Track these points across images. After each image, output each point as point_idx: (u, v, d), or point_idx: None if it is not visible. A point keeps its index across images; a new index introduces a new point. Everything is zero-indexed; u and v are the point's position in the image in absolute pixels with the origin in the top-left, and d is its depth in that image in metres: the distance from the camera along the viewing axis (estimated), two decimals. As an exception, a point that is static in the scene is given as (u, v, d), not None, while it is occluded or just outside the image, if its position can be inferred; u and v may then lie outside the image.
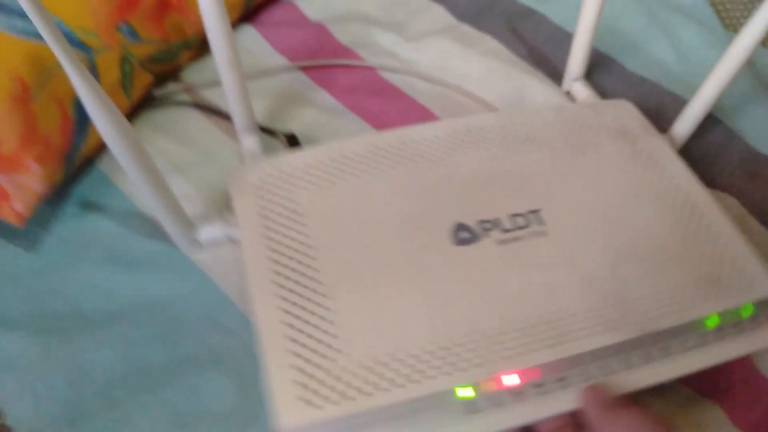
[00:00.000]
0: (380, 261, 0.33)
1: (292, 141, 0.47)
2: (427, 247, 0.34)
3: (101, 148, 0.45)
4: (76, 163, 0.42)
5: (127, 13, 0.43)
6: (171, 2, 0.46)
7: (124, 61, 0.43)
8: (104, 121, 0.29)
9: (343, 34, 0.55)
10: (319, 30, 0.55)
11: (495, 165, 0.38)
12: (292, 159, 0.37)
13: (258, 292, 0.32)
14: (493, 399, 0.31)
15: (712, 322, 0.33)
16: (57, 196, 0.43)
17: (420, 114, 0.50)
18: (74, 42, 0.40)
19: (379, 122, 0.49)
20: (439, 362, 0.30)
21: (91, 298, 0.39)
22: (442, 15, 0.57)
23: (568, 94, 0.50)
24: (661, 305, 0.32)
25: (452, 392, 0.30)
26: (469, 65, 0.53)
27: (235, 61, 0.38)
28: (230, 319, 0.39)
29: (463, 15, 0.57)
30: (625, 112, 0.42)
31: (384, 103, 0.51)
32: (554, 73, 0.52)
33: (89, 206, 0.43)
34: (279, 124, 0.48)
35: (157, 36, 0.45)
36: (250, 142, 0.43)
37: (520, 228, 0.35)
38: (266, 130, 0.47)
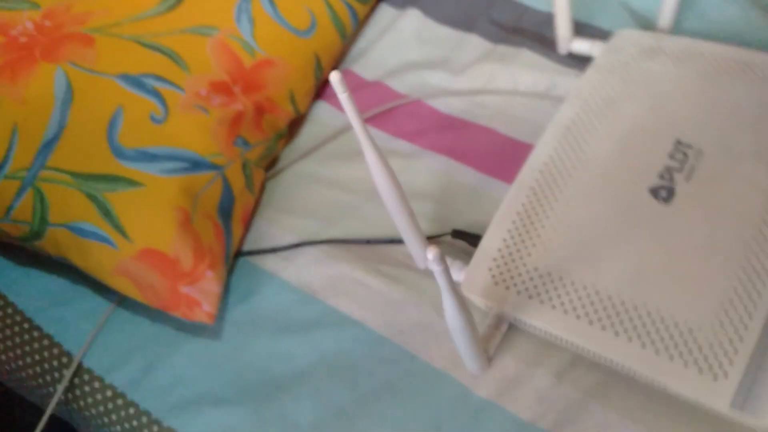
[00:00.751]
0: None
1: (457, 235, 0.50)
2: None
3: (242, 239, 0.54)
4: (231, 260, 0.51)
5: (237, 129, 0.52)
6: (264, 107, 0.55)
7: (244, 167, 0.52)
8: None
9: (400, 85, 0.63)
10: (379, 87, 0.63)
11: None
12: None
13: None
14: None
15: None
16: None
17: (487, 136, 0.58)
18: (208, 166, 0.49)
19: (457, 154, 0.57)
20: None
21: (276, 364, 0.48)
22: (478, 43, 0.65)
23: (571, 56, 0.59)
24: None
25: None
26: (515, 77, 0.60)
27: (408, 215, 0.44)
28: (389, 352, 0.47)
29: (496, 38, 0.64)
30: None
31: (454, 134, 0.59)
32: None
33: (247, 292, 0.52)
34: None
35: (261, 138, 0.54)
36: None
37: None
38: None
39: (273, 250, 0.53)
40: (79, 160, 0.47)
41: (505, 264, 0.44)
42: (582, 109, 0.51)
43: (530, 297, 0.43)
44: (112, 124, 0.47)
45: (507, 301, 0.43)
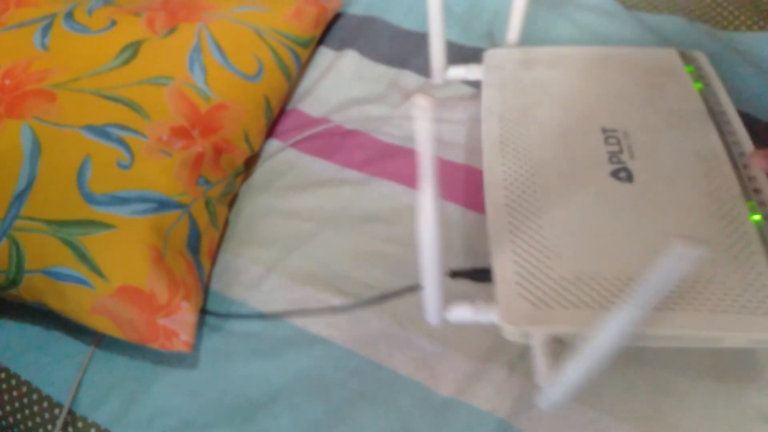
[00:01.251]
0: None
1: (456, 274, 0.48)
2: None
3: (210, 273, 0.57)
4: (203, 292, 0.55)
5: (199, 169, 0.55)
6: (221, 147, 0.59)
7: (207, 204, 0.55)
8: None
9: (344, 119, 0.68)
10: (325, 123, 0.68)
11: None
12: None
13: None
14: None
15: None
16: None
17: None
18: (175, 205, 0.52)
19: (402, 178, 0.62)
20: None
21: (252, 387, 0.51)
22: (413, 78, 0.71)
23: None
24: None
25: None
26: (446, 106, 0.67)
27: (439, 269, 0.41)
28: (357, 364, 0.51)
29: (428, 73, 0.70)
30: None
31: (397, 161, 0.64)
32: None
33: (219, 321, 0.55)
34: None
35: (221, 176, 0.58)
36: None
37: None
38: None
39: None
40: (52, 208, 0.49)
41: (533, 285, 0.43)
42: (503, 123, 0.54)
43: (578, 307, 0.41)
44: (81, 173, 0.50)
45: (558, 319, 0.41)
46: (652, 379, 0.48)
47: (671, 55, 0.59)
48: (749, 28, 0.69)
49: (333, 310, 0.54)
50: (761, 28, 0.69)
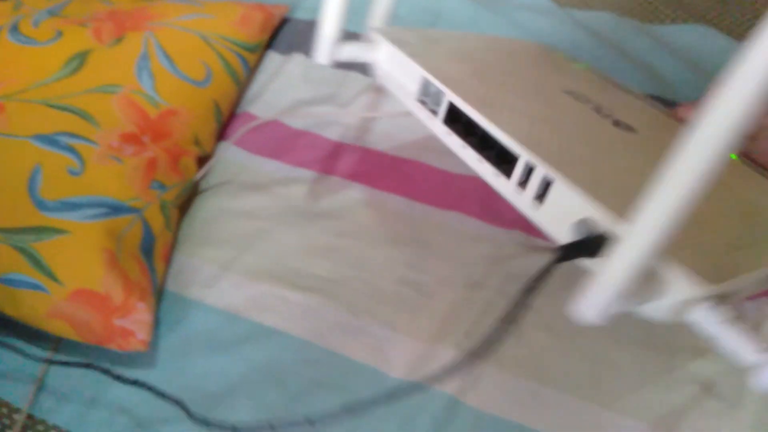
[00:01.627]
0: None
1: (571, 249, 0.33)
2: None
3: (164, 276, 0.58)
4: (157, 293, 0.56)
5: (152, 173, 0.57)
6: (174, 151, 0.60)
7: (163, 207, 0.57)
8: None
9: (294, 120, 0.70)
10: (276, 124, 0.70)
11: None
12: None
13: None
14: None
15: None
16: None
17: (376, 157, 0.66)
18: (127, 209, 0.54)
19: (351, 175, 0.65)
20: None
21: (211, 382, 0.53)
22: (359, 79, 0.73)
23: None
24: None
25: None
26: (393, 104, 0.70)
27: None
28: (313, 354, 0.53)
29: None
30: None
31: (347, 158, 0.66)
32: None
33: (175, 320, 0.57)
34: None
35: (178, 179, 0.59)
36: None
37: None
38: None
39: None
40: (4, 216, 0.50)
41: (688, 234, 0.32)
42: (470, 91, 0.44)
43: (737, 248, 0.34)
44: (32, 181, 0.51)
45: (746, 263, 0.33)
46: (590, 351, 0.51)
47: (542, 47, 0.61)
48: (673, 21, 0.74)
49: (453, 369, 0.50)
50: (684, 21, 0.73)
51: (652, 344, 0.52)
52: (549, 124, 0.43)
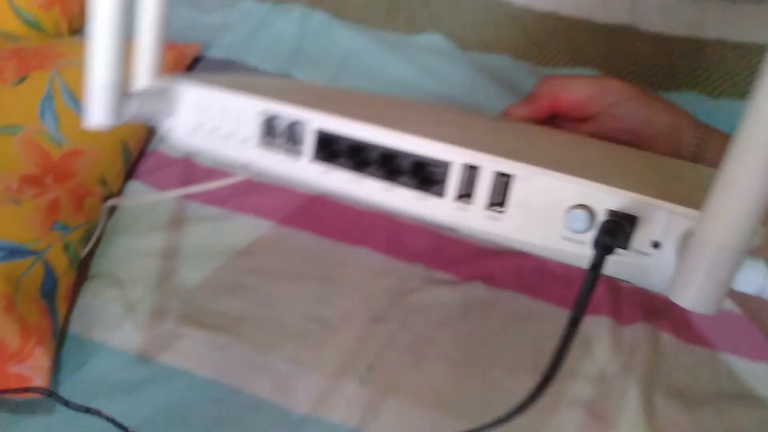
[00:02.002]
0: None
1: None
2: None
3: (67, 317, 0.58)
4: (58, 336, 0.55)
5: (54, 215, 0.57)
6: (78, 192, 0.60)
7: (66, 248, 0.57)
8: None
9: (203, 159, 0.71)
10: (186, 162, 0.71)
11: None
12: None
13: None
14: None
15: None
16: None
17: (284, 195, 0.68)
18: (26, 252, 0.53)
19: (260, 211, 0.66)
20: None
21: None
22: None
23: None
24: None
25: None
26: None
27: None
28: (218, 392, 0.54)
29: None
30: None
31: (254, 196, 0.68)
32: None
33: (78, 364, 0.56)
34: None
35: (83, 219, 0.59)
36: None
37: None
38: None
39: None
40: None
41: None
42: (345, 110, 0.35)
43: None
44: None
45: None
46: (484, 378, 0.54)
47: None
48: (565, 64, 0.79)
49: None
50: (575, 65, 0.79)
51: (541, 371, 0.55)
52: (463, 127, 0.38)
